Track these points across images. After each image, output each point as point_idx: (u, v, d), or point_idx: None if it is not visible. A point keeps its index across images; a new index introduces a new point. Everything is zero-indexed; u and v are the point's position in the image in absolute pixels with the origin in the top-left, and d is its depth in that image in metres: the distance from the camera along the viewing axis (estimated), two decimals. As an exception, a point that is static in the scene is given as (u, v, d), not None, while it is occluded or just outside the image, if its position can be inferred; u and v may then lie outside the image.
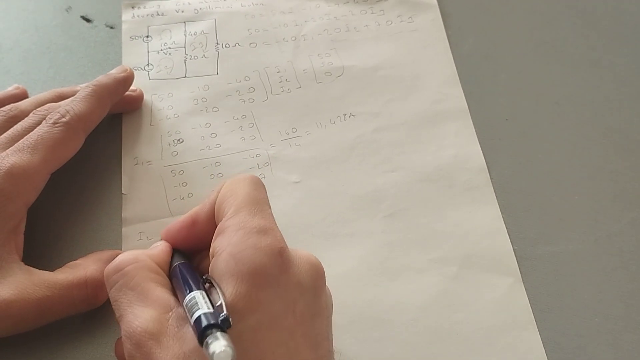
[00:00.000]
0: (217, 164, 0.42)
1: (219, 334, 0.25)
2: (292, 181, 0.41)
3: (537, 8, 0.50)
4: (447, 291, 0.37)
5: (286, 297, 0.28)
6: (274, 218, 0.30)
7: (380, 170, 0.41)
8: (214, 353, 0.24)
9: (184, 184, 0.41)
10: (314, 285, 0.29)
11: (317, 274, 0.29)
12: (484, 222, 0.39)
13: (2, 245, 0.34)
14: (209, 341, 0.25)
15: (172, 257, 0.32)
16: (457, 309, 0.36)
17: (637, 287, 0.38)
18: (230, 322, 0.26)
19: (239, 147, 0.42)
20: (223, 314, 0.26)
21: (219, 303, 0.26)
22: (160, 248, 0.32)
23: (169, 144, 0.42)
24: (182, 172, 0.41)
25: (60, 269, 0.35)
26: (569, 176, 0.42)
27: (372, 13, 0.49)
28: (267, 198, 0.31)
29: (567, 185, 0.42)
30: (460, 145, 0.42)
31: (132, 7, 0.48)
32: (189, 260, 0.32)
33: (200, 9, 0.49)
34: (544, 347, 0.35)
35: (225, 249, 0.28)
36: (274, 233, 0.29)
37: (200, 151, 0.42)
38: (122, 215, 0.39)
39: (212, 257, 0.29)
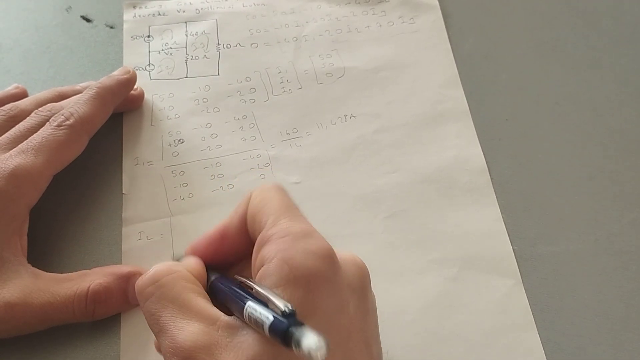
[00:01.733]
0: (218, 164, 0.42)
1: (302, 329, 0.24)
2: (293, 182, 0.41)
3: (537, 8, 0.50)
4: (447, 292, 0.37)
5: (339, 298, 0.27)
6: (309, 221, 0.29)
7: (380, 171, 0.41)
8: (310, 348, 0.23)
9: (185, 185, 0.41)
10: (361, 285, 0.29)
11: (364, 275, 0.29)
12: (485, 223, 0.39)
13: (7, 246, 0.34)
14: (299, 339, 0.23)
15: (207, 273, 0.31)
16: (457, 310, 0.36)
17: (637, 287, 0.38)
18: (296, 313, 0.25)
19: (240, 147, 0.42)
20: (290, 309, 0.25)
21: (278, 304, 0.25)
22: (194, 259, 0.31)
23: (170, 144, 0.42)
24: (182, 172, 0.41)
25: (70, 274, 0.35)
26: (569, 176, 0.42)
27: (374, 14, 0.49)
28: (294, 202, 0.30)
29: (567, 185, 0.42)
30: (461, 147, 0.42)
31: (134, 7, 0.48)
32: (222, 274, 0.31)
33: (202, 9, 0.49)
34: (544, 347, 0.35)
35: (276, 255, 0.27)
36: (318, 236, 0.28)
37: (201, 151, 0.42)
38: (123, 215, 0.39)
39: (260, 267, 0.27)
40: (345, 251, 0.29)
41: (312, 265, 0.27)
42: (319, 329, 0.25)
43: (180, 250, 0.34)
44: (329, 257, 0.27)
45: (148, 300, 0.28)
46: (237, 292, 0.28)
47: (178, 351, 0.26)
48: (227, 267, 0.32)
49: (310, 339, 0.23)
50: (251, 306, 0.26)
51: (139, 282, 0.29)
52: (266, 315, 0.25)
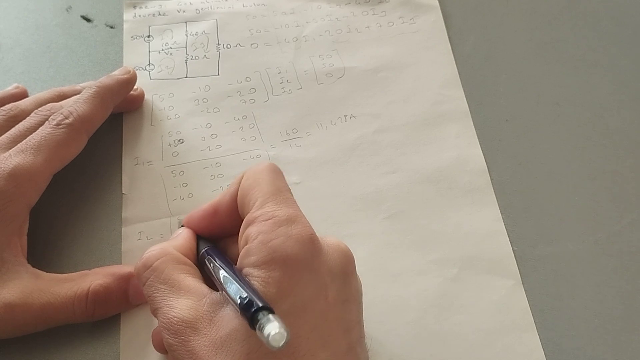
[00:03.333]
0: (218, 164, 0.42)
1: (270, 316, 0.25)
2: (293, 182, 0.41)
3: (537, 9, 0.50)
4: (447, 293, 0.37)
5: (317, 283, 0.28)
6: (298, 205, 0.30)
7: (380, 172, 0.41)
8: (269, 335, 0.24)
9: (185, 185, 0.41)
10: (344, 271, 0.29)
11: (347, 260, 0.30)
12: (485, 224, 0.39)
13: (7, 247, 0.34)
14: (263, 323, 0.25)
15: (197, 244, 0.33)
16: (457, 311, 0.36)
17: (637, 288, 0.38)
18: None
19: (240, 147, 0.42)
20: (244, 299, 0.26)
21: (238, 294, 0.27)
22: (183, 236, 0.33)
23: (170, 144, 0.42)
24: (182, 172, 0.41)
25: (70, 275, 0.35)
26: (568, 177, 0.42)
27: (374, 14, 0.49)
28: (287, 184, 0.31)
29: (567, 185, 0.42)
30: (461, 147, 0.42)
31: (134, 7, 0.48)
32: (213, 244, 0.33)
33: (202, 9, 0.49)
34: (544, 348, 0.35)
35: (257, 237, 0.28)
36: (302, 221, 0.29)
37: (201, 152, 0.42)
38: (122, 215, 0.39)
39: (243, 247, 0.29)
40: (330, 237, 0.30)
41: (290, 249, 0.28)
42: (293, 312, 0.27)
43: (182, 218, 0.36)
44: (309, 242, 0.28)
45: (144, 284, 0.30)
46: (220, 268, 0.29)
47: (169, 326, 0.28)
48: (218, 240, 0.33)
49: (272, 327, 0.24)
50: (228, 285, 0.28)
51: (135, 267, 0.31)
52: (238, 296, 0.26)
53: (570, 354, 0.35)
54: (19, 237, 0.35)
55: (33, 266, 0.35)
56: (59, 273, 0.35)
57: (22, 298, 0.33)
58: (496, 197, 0.41)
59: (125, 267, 0.36)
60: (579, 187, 0.41)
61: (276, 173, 0.31)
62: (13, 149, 0.36)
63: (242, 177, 0.32)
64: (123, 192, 0.40)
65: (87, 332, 0.35)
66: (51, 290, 0.34)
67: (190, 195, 0.40)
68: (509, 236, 0.39)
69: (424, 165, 0.42)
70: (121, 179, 0.41)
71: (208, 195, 0.40)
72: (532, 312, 0.37)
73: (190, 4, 0.49)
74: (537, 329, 0.36)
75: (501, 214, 0.40)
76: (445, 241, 0.39)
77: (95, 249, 0.38)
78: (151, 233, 0.39)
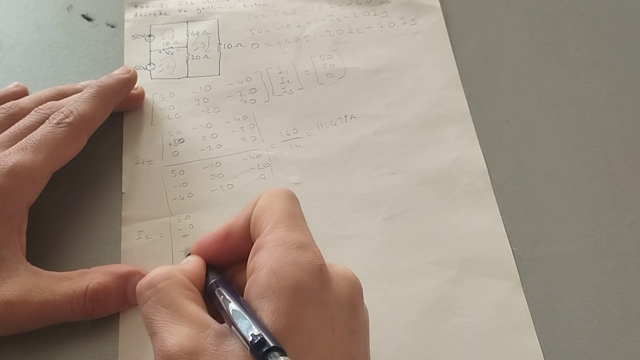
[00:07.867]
0: (218, 164, 0.42)
1: (282, 358, 0.24)
2: (293, 182, 0.41)
3: (538, 10, 0.50)
4: (446, 294, 0.37)
5: (326, 315, 0.27)
6: (311, 233, 0.29)
7: (380, 173, 0.41)
8: None
9: (184, 184, 0.41)
10: (352, 301, 0.29)
11: (355, 290, 0.29)
12: (484, 226, 0.39)
13: (6, 244, 0.34)
14: None
15: (206, 273, 0.31)
16: (456, 313, 0.36)
17: (636, 289, 0.38)
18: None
19: (240, 147, 0.42)
20: (257, 337, 0.25)
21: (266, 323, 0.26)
22: (193, 263, 0.31)
23: (170, 144, 0.42)
24: (182, 172, 0.41)
25: (69, 273, 0.35)
26: (568, 178, 0.42)
27: (375, 15, 0.49)
28: (302, 212, 0.30)
29: (567, 187, 0.42)
30: (462, 149, 0.42)
31: (135, 6, 0.48)
32: (223, 275, 0.31)
33: (203, 8, 0.49)
34: (543, 349, 0.35)
35: (266, 264, 0.27)
36: (313, 249, 0.28)
37: (201, 151, 0.42)
38: (122, 214, 0.39)
39: (252, 273, 0.28)
40: (338, 265, 0.29)
41: (299, 278, 0.27)
42: (300, 346, 0.26)
43: (188, 244, 0.34)
44: (319, 272, 0.27)
45: (145, 303, 0.28)
46: (229, 301, 0.28)
47: (165, 354, 0.26)
48: (229, 266, 0.32)
49: None
50: (238, 321, 0.26)
51: (139, 285, 0.29)
52: (249, 334, 0.25)
53: (569, 355, 0.35)
54: (18, 235, 0.35)
55: (32, 264, 0.35)
56: (58, 271, 0.35)
57: (21, 296, 0.33)
58: (496, 198, 0.41)
59: (125, 266, 0.36)
60: (578, 188, 0.42)
61: (292, 199, 0.30)
62: (13, 146, 0.36)
63: (259, 198, 0.31)
64: (123, 191, 0.40)
65: (85, 330, 0.35)
66: (50, 288, 0.34)
67: (190, 195, 0.40)
68: (508, 237, 0.39)
69: (424, 167, 0.42)
70: (121, 178, 0.41)
71: (208, 195, 0.40)
72: (531, 313, 0.36)
73: (192, 3, 0.49)
74: (536, 329, 0.36)
75: (501, 215, 0.40)
76: (445, 242, 0.39)
77: (95, 247, 0.38)
78: (151, 232, 0.39)
